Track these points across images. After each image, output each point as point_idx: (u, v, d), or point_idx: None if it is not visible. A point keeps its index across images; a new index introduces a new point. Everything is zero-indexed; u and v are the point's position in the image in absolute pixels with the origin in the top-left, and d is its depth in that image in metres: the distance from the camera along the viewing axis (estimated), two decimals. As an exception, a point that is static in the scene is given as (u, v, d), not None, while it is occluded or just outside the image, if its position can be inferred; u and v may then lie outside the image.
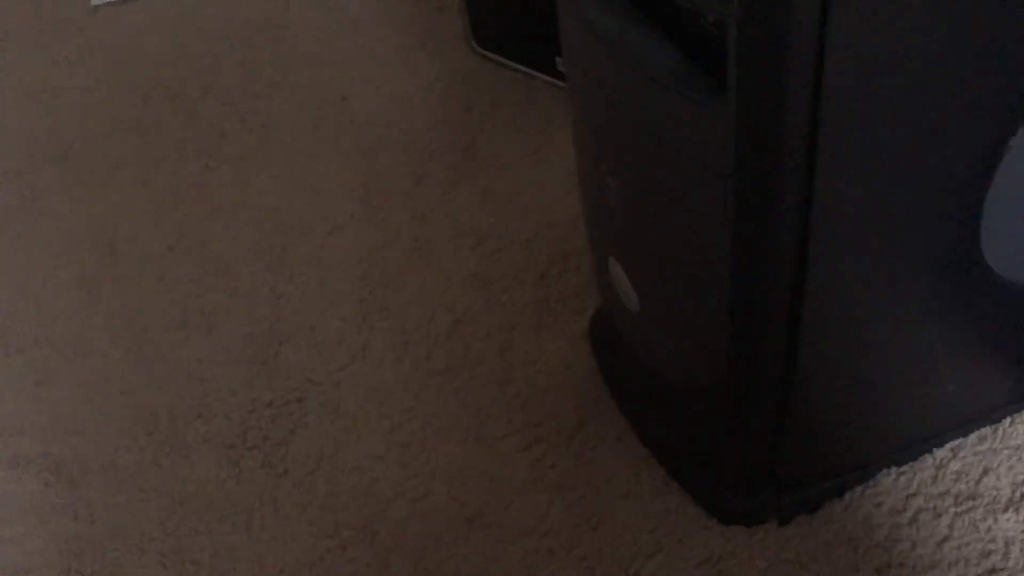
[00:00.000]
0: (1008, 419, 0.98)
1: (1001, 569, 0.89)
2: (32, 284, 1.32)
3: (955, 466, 0.96)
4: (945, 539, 0.92)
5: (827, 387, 0.84)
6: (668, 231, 0.74)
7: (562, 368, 1.11)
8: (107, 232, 1.37)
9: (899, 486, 0.96)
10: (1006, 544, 0.91)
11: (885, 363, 0.85)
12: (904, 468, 0.97)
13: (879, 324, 0.80)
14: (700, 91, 0.60)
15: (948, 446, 0.98)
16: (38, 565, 1.04)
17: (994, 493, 0.94)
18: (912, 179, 0.68)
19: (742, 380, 0.81)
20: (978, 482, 0.95)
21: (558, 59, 1.42)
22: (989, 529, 0.92)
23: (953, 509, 0.94)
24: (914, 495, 0.95)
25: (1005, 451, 0.97)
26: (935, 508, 0.94)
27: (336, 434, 1.10)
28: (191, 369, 1.19)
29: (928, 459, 0.97)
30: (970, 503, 0.94)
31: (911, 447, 0.97)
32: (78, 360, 1.22)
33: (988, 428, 0.98)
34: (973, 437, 0.98)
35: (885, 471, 0.97)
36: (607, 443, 1.04)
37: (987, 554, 0.90)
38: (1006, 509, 0.93)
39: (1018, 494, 0.94)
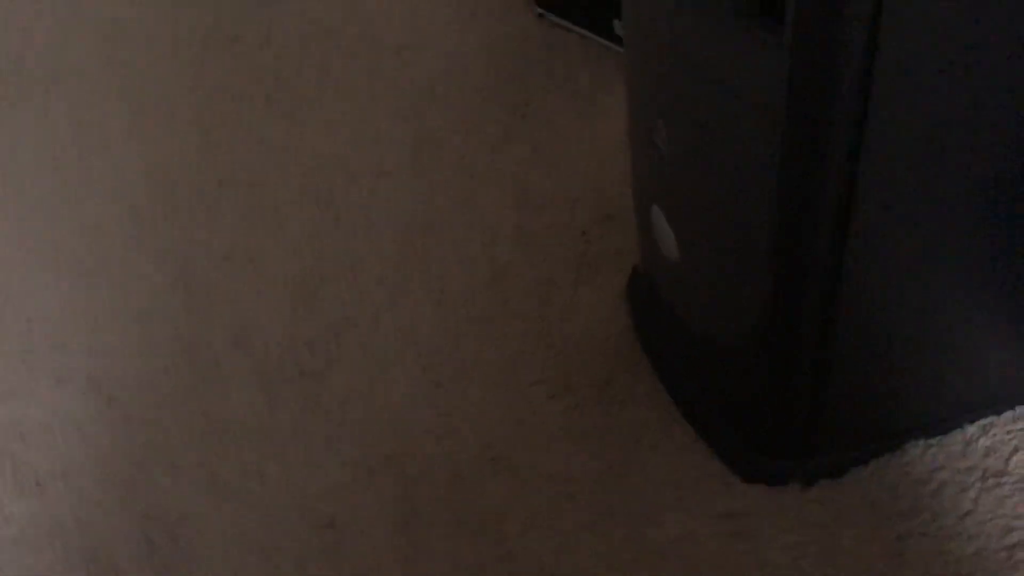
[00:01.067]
0: (1044, 401, 0.97)
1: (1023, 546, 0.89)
2: (87, 214, 1.35)
3: (985, 442, 0.96)
4: (968, 513, 0.91)
5: (866, 351, 0.84)
6: (715, 176, 0.74)
7: (598, 323, 1.12)
8: (161, 168, 1.40)
9: (927, 458, 0.95)
10: (1032, 523, 0.90)
11: (926, 332, 0.85)
12: (933, 441, 0.96)
13: (922, 287, 0.79)
14: (755, 25, 0.61)
15: (980, 423, 0.97)
16: (74, 472, 1.07)
17: (1023, 472, 0.93)
18: (965, 135, 0.67)
19: (780, 336, 0.81)
20: (1007, 460, 0.94)
21: (616, 22, 1.42)
22: (1015, 507, 0.91)
23: (979, 484, 0.93)
24: (941, 468, 0.95)
25: (1038, 432, 0.96)
26: (961, 482, 0.93)
27: (370, 371, 1.12)
28: (234, 301, 1.22)
29: (959, 434, 0.96)
30: (997, 480, 0.93)
31: (943, 421, 0.96)
32: (125, 286, 1.26)
33: (1022, 408, 0.97)
34: (1007, 416, 0.97)
35: (914, 442, 0.96)
36: (637, 397, 1.05)
37: (1009, 530, 0.90)
38: (1034, 488, 0.92)
39: (1048, 475, 0.93)
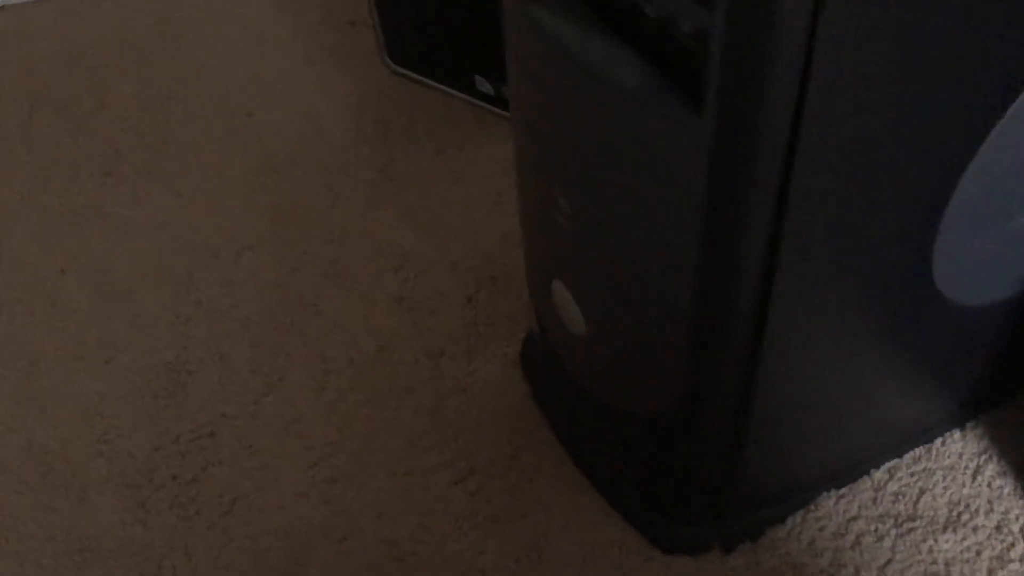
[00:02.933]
0: (940, 439, 0.99)
1: (945, 591, 0.89)
2: (-97, 312, 1.20)
3: (893, 487, 0.96)
4: (888, 562, 0.91)
5: (781, 414, 0.82)
6: (627, 253, 0.71)
7: (495, 395, 1.07)
8: (-11, 255, 1.26)
9: (840, 510, 0.95)
10: (947, 565, 0.91)
11: (836, 389, 0.84)
12: (843, 491, 0.96)
13: (834, 351, 0.79)
14: (673, 107, 0.57)
15: (885, 467, 0.98)
16: (-86, 628, 0.93)
17: (932, 514, 0.94)
18: (876, 207, 0.67)
19: (697, 407, 0.78)
20: (916, 503, 0.95)
21: (477, 78, 1.38)
22: (930, 550, 0.92)
23: (894, 531, 0.93)
24: (855, 518, 0.94)
25: (939, 471, 0.97)
26: (876, 531, 0.93)
27: (252, 471, 1.03)
28: (89, 404, 1.10)
29: (866, 481, 0.97)
30: (910, 524, 0.94)
31: (850, 469, 0.96)
32: (-42, 395, 1.11)
33: (922, 448, 0.99)
34: (908, 457, 0.98)
35: (825, 494, 0.96)
36: (544, 472, 1.00)
37: (931, 575, 0.90)
38: (944, 530, 0.93)
39: (955, 514, 0.94)
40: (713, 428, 0.81)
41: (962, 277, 0.79)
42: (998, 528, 0.93)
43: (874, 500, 0.95)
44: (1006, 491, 0.95)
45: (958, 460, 0.98)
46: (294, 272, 1.22)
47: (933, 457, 0.98)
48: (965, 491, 0.95)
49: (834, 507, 0.95)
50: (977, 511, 0.94)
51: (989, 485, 0.96)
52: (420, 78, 1.45)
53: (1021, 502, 0.94)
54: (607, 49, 0.61)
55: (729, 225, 0.62)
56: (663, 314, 0.72)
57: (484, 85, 1.38)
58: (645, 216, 0.66)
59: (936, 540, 0.92)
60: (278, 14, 1.59)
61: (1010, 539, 0.92)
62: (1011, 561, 0.91)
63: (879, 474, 0.97)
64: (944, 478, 0.96)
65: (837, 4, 0.51)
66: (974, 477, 0.96)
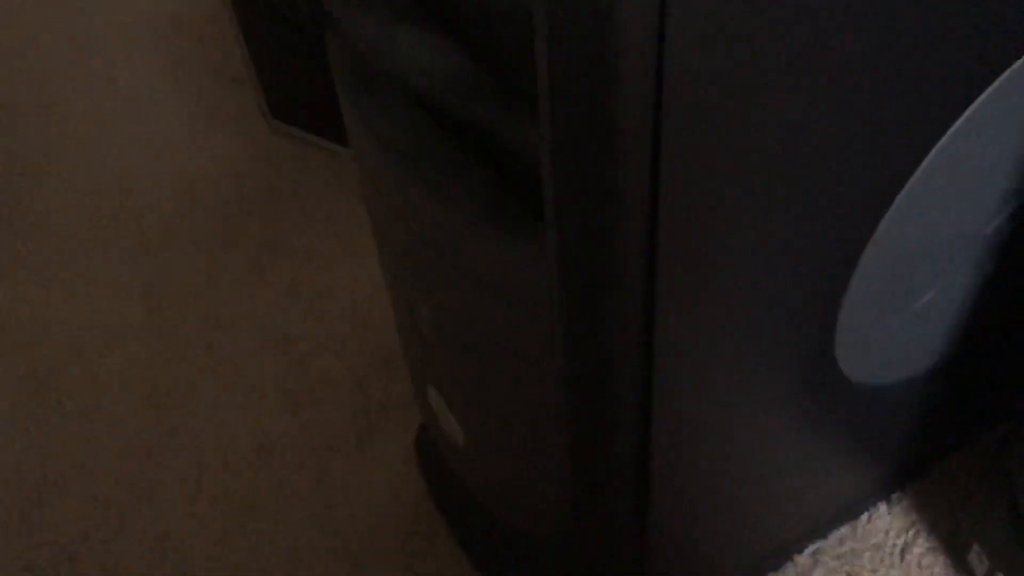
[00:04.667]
0: (866, 515, 0.92)
1: None
2: None
3: (818, 573, 0.89)
4: (816, 662, 0.84)
5: (684, 516, 0.74)
6: (491, 368, 0.62)
7: (389, 494, 0.97)
8: None
9: (763, 604, 0.87)
10: (879, 661, 0.84)
11: (743, 480, 0.76)
12: (767, 582, 0.89)
13: (734, 445, 0.71)
14: (512, 224, 0.49)
15: (809, 551, 0.90)
16: None
17: (861, 602, 0.87)
18: (762, 301, 0.59)
19: (588, 527, 0.69)
20: (844, 590, 0.88)
21: (365, 135, 1.30)
22: (861, 646, 0.85)
23: (821, 626, 0.86)
24: (780, 613, 0.87)
25: (867, 552, 0.90)
26: (803, 626, 0.86)
27: (118, 601, 0.92)
28: (-67, 533, 0.98)
29: (790, 568, 0.89)
30: (838, 617, 0.86)
31: (772, 557, 0.89)
32: None
33: (847, 527, 0.91)
34: (833, 539, 0.91)
35: (747, 587, 0.88)
36: (442, 582, 0.91)
37: (862, 677, 0.83)
38: (875, 619, 0.86)
39: (885, 600, 0.87)
40: (610, 546, 0.72)
41: (868, 360, 0.72)
42: (931, 614, 0.86)
43: (799, 591, 0.88)
44: (936, 571, 0.88)
45: (885, 538, 0.91)
46: (166, 363, 1.11)
47: (859, 536, 0.91)
48: (894, 572, 0.88)
49: (757, 602, 0.88)
50: (908, 596, 0.87)
51: (919, 564, 0.89)
52: (306, 135, 1.36)
53: (954, 584, 0.87)
54: (442, 157, 0.53)
55: (588, 338, 0.54)
56: (537, 431, 0.64)
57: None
58: (501, 334, 0.58)
59: (867, 634, 0.85)
60: (158, 74, 1.49)
61: (944, 627, 0.85)
62: (947, 652, 0.84)
63: (803, 559, 0.90)
64: (871, 560, 0.89)
65: (677, 104, 0.43)
66: (902, 556, 0.89)
